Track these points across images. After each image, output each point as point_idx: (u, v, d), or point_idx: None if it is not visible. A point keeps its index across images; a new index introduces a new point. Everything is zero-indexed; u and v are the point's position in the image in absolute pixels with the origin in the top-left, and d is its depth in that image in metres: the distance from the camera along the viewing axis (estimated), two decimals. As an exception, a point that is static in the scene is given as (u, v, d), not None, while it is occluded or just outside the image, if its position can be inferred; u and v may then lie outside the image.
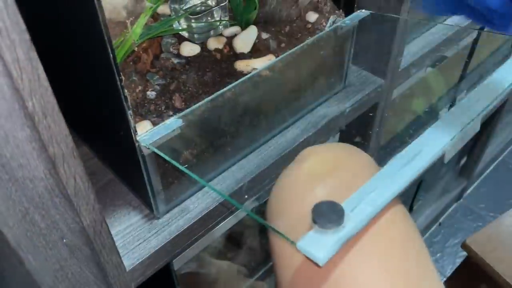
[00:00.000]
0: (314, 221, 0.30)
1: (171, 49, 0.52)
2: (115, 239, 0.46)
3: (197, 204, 0.50)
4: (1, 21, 0.24)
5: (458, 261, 1.50)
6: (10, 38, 0.24)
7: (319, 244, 0.29)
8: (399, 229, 0.35)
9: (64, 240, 0.35)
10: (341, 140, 0.75)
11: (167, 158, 0.40)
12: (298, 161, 0.43)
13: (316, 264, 0.29)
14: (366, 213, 0.31)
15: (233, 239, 0.84)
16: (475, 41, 0.98)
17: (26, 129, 0.28)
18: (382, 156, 0.96)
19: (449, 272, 1.47)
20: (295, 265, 0.35)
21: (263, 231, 0.86)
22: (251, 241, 0.86)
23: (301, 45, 0.51)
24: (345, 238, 0.30)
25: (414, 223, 0.37)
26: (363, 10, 0.57)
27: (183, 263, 0.58)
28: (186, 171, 0.40)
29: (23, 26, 0.25)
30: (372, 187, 0.34)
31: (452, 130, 0.37)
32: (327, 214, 0.30)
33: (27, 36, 0.25)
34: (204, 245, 0.58)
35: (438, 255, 1.57)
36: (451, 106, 1.13)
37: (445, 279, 1.26)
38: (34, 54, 0.26)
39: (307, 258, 0.30)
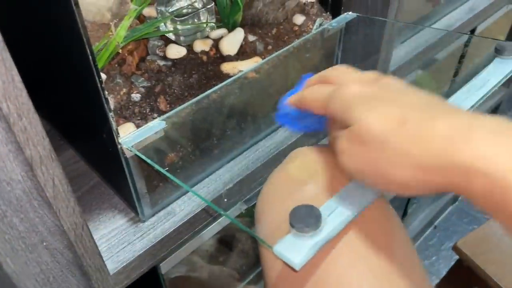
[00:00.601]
0: (292, 225, 0.29)
1: (157, 51, 0.51)
2: (99, 242, 0.46)
3: (183, 207, 0.49)
4: (-28, 22, 0.23)
5: (454, 264, 1.50)
6: (-18, 39, 0.24)
7: (295, 249, 0.29)
8: (384, 228, 0.35)
9: (44, 244, 0.35)
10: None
11: (148, 160, 0.40)
12: (285, 162, 0.42)
13: (293, 269, 0.29)
14: (344, 217, 0.31)
15: (224, 242, 0.83)
16: (466, 44, 0.98)
17: (1, 131, 0.28)
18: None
19: (444, 275, 1.47)
20: (278, 268, 0.35)
21: (250, 226, 0.85)
22: (243, 245, 0.86)
23: (288, 47, 0.51)
24: (322, 242, 0.29)
25: (400, 221, 0.37)
26: (350, 13, 0.57)
27: (171, 266, 0.57)
28: (168, 174, 0.40)
29: (-6, 27, 0.24)
30: (351, 190, 0.34)
31: None
32: (305, 218, 0.29)
33: (-1, 37, 0.25)
34: (193, 248, 0.58)
35: (434, 258, 1.57)
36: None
37: (438, 281, 1.26)
38: (7, 55, 0.26)
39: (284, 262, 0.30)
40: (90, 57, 0.33)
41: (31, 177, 0.31)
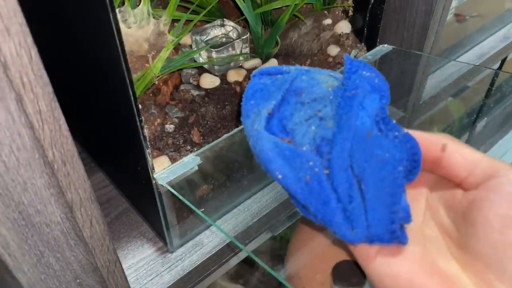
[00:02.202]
0: (334, 282, 0.29)
1: (191, 80, 0.51)
2: (128, 272, 0.46)
3: (211, 238, 0.49)
4: (25, 76, 0.24)
5: None
6: (34, 91, 0.24)
7: None
8: None
9: (78, 281, 0.35)
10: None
11: (181, 198, 0.40)
12: None
13: None
14: None
15: (245, 263, 0.83)
16: (493, 80, 0.96)
17: (44, 176, 0.28)
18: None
19: None
20: None
21: (277, 257, 0.85)
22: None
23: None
24: None
25: None
26: (386, 45, 0.56)
27: (194, 294, 0.57)
28: (199, 212, 0.40)
29: (46, 79, 0.24)
30: None
31: None
32: (348, 276, 0.28)
33: (50, 89, 0.25)
34: (218, 276, 0.58)
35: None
36: (470, 134, 1.12)
37: None
38: (56, 105, 0.26)
39: None
40: (132, 97, 0.33)
41: (70, 219, 0.31)
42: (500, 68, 0.90)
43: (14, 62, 0.23)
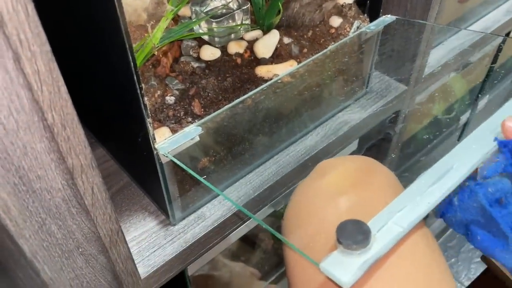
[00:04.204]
0: (339, 241, 0.28)
1: (191, 53, 0.51)
2: (130, 245, 0.46)
3: (213, 211, 0.49)
4: (22, 33, 0.23)
5: (473, 266, 1.48)
6: (31, 50, 0.24)
7: (343, 267, 0.28)
8: (423, 253, 0.34)
9: (80, 250, 0.35)
10: (360, 146, 0.74)
11: (184, 167, 0.39)
12: (316, 174, 0.42)
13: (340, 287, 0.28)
14: (394, 234, 0.30)
15: (247, 241, 0.83)
16: (500, 47, 0.95)
17: (44, 140, 0.27)
18: (401, 164, 0.94)
19: (463, 277, 1.45)
20: (310, 283, 0.34)
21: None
22: (265, 244, 0.85)
23: (324, 51, 0.50)
24: (372, 260, 0.28)
25: (438, 245, 0.36)
26: (389, 16, 0.55)
27: (197, 267, 0.57)
28: (204, 181, 0.39)
29: (44, 37, 0.24)
30: (399, 205, 0.32)
31: (484, 145, 0.35)
32: (353, 234, 0.28)
33: (48, 48, 0.24)
34: (220, 250, 0.58)
35: (453, 260, 1.54)
36: (472, 111, 1.11)
37: (463, 287, 1.25)
38: (54, 66, 0.25)
39: (330, 280, 0.29)
40: (132, 63, 0.33)
41: (71, 186, 0.31)
42: (503, 42, 0.89)
43: (11, 18, 0.22)
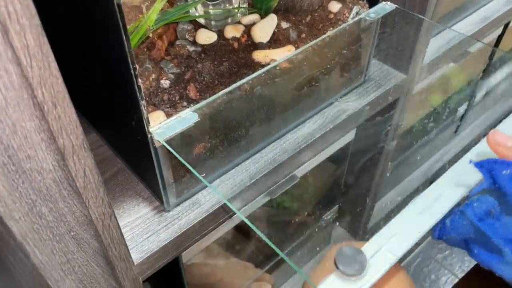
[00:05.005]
0: (336, 266, 0.30)
1: (187, 36, 0.50)
2: (123, 230, 0.45)
3: (209, 198, 0.48)
4: (11, 5, 0.22)
5: (467, 259, 1.48)
6: (20, 22, 0.23)
7: None
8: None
9: (72, 233, 0.34)
10: (357, 133, 0.73)
11: (177, 155, 0.39)
12: (327, 263, 0.41)
13: None
14: (388, 261, 0.31)
15: (242, 231, 0.83)
16: (499, 38, 0.94)
17: (34, 119, 0.27)
18: (397, 156, 0.93)
19: (457, 269, 1.45)
20: None
21: (272, 224, 0.84)
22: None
23: (323, 37, 0.49)
24: (366, 287, 0.30)
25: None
26: (388, 3, 0.54)
27: (192, 255, 0.56)
28: (194, 171, 0.39)
29: (33, 10, 0.23)
30: (391, 231, 0.33)
31: (474, 173, 0.36)
32: (350, 261, 0.30)
33: (37, 21, 0.23)
34: (215, 238, 0.57)
35: (447, 252, 1.55)
36: (469, 102, 1.10)
37: (456, 279, 1.25)
38: (44, 40, 0.24)
39: None
40: (126, 43, 0.32)
41: (62, 167, 0.30)
42: (503, 32, 0.89)
43: (-2, -12, 0.21)
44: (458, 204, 0.36)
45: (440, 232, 0.37)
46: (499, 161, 0.35)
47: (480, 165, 0.35)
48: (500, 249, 0.34)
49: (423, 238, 0.38)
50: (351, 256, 0.31)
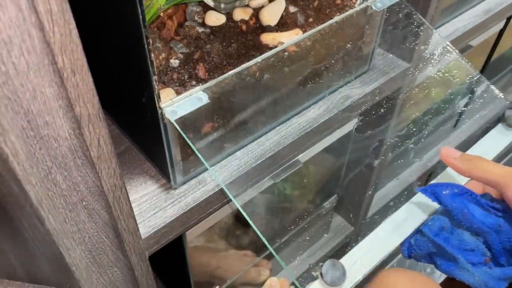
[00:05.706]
0: (321, 275, 0.37)
1: (196, 18, 0.50)
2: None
3: (214, 177, 0.49)
4: (37, -31, 0.23)
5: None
6: (45, -13, 0.23)
7: None
8: None
9: (84, 203, 0.35)
10: (358, 125, 0.74)
11: (184, 135, 0.40)
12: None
13: None
14: (362, 273, 0.39)
15: (242, 217, 0.83)
16: (501, 32, 0.95)
17: (54, 85, 0.27)
18: (396, 147, 0.94)
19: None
20: None
21: (272, 211, 0.85)
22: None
23: (331, 21, 0.50)
24: None
25: None
26: (395, -9, 0.55)
27: (196, 235, 0.57)
28: (197, 152, 0.41)
29: (58, -25, 0.24)
30: (366, 246, 0.41)
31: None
32: (332, 272, 0.38)
33: (61, -13, 0.24)
34: (219, 218, 0.58)
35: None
36: (470, 97, 1.11)
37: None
38: (67, 7, 0.25)
39: None
40: (141, 16, 0.33)
41: (78, 135, 0.31)
42: (506, 25, 0.89)
43: (26, -48, 0.22)
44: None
45: (408, 250, 0.43)
46: (439, 184, 0.41)
47: (424, 190, 0.42)
48: (454, 257, 0.40)
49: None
50: (334, 268, 0.38)
